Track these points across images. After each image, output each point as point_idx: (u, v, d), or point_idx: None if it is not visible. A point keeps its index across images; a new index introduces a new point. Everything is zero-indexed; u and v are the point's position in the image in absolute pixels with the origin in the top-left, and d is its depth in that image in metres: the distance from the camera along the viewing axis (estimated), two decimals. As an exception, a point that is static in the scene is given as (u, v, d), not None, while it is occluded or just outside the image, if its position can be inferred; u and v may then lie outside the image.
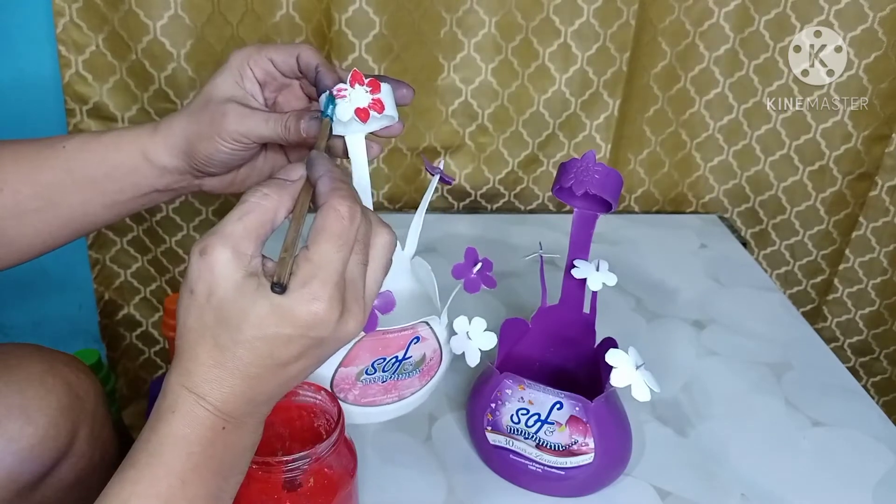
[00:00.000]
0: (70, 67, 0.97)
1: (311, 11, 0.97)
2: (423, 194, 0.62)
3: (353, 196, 0.41)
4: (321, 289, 0.39)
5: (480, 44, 1.02)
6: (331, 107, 0.50)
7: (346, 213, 0.40)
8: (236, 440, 0.41)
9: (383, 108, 0.51)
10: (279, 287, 0.39)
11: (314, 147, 0.47)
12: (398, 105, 0.54)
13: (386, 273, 0.44)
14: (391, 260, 0.44)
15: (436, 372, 0.67)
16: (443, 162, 0.64)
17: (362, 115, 0.50)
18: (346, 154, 0.54)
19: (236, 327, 0.39)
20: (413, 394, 0.67)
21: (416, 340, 0.63)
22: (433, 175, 0.59)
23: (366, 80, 0.51)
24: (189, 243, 1.11)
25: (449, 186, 0.61)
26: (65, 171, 0.56)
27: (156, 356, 1.22)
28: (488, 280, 0.62)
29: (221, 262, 0.39)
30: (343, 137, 0.54)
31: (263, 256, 0.41)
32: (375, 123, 0.53)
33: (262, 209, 0.41)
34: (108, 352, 1.19)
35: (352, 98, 0.50)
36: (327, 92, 0.51)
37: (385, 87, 0.52)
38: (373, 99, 0.51)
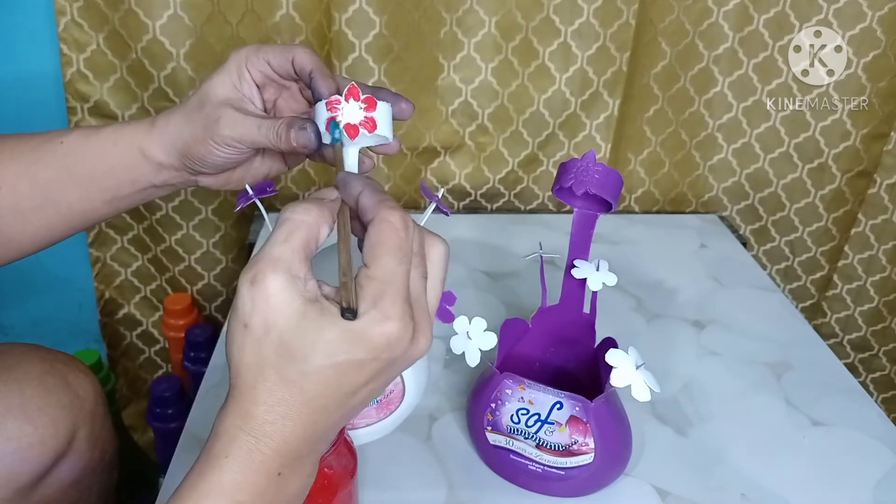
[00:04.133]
0: (71, 66, 0.97)
1: (311, 11, 0.97)
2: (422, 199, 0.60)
3: (400, 207, 0.39)
4: (392, 307, 0.37)
5: (480, 44, 1.02)
6: (337, 131, 0.48)
7: (399, 224, 0.38)
8: (289, 486, 0.39)
9: (374, 128, 0.49)
10: (351, 312, 0.36)
11: (336, 173, 0.45)
12: (397, 119, 0.53)
13: (443, 286, 0.42)
14: (447, 272, 0.42)
15: (396, 408, 0.64)
16: (442, 191, 0.61)
17: (351, 131, 0.49)
18: (334, 163, 0.53)
19: (303, 358, 0.36)
20: (367, 425, 0.64)
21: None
22: (430, 201, 0.56)
23: (362, 97, 0.49)
24: (188, 242, 1.11)
25: (446, 217, 0.58)
26: (63, 168, 0.56)
27: (156, 355, 1.22)
28: (445, 314, 0.58)
29: (277, 290, 0.36)
30: (333, 147, 0.53)
31: (317, 279, 0.39)
32: (365, 140, 0.51)
33: (307, 226, 0.38)
34: (108, 351, 1.19)
35: (344, 112, 0.49)
36: (324, 106, 0.50)
37: (382, 106, 0.50)
38: (365, 117, 0.49)
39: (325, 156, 0.55)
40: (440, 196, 0.55)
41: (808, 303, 1.24)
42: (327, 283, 0.39)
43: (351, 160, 0.51)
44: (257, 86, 0.56)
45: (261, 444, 0.37)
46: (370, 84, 0.99)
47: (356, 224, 0.42)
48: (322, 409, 0.37)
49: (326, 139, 0.51)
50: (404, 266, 0.38)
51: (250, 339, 0.37)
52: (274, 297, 0.36)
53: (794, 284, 1.23)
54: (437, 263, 0.41)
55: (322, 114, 0.50)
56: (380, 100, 0.50)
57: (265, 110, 0.57)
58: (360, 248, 0.40)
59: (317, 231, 0.39)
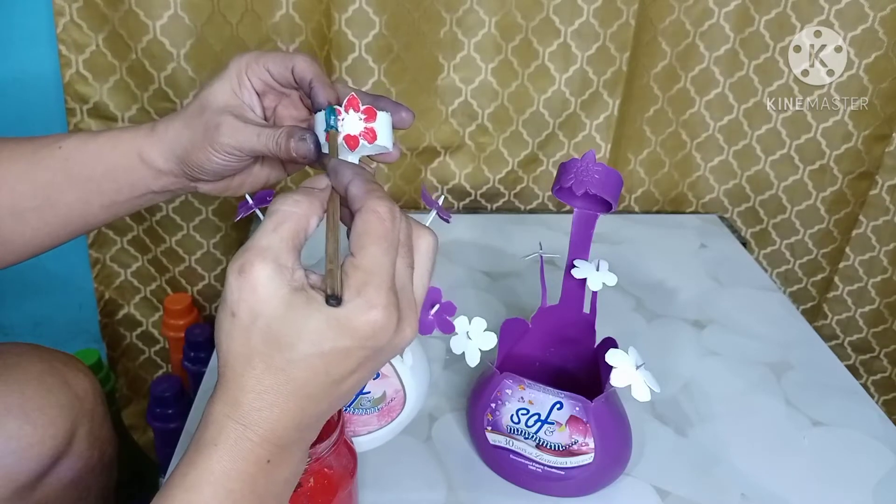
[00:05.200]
0: (70, 67, 0.97)
1: (311, 11, 0.97)
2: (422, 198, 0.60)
3: (389, 196, 0.40)
4: (376, 295, 0.37)
5: (480, 44, 1.02)
6: (332, 117, 0.48)
7: (386, 215, 0.38)
8: (279, 473, 0.39)
9: (375, 139, 0.49)
10: (335, 300, 0.37)
11: (330, 157, 0.45)
12: (397, 128, 0.53)
13: (431, 277, 0.42)
14: (435, 264, 0.43)
15: (397, 415, 0.64)
16: (442, 198, 0.61)
17: (351, 142, 0.49)
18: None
19: (289, 346, 0.37)
20: (369, 433, 0.64)
21: (375, 375, 0.60)
22: (430, 208, 0.56)
23: (362, 108, 0.49)
24: (189, 243, 1.11)
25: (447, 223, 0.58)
26: (62, 170, 0.56)
27: (156, 356, 1.22)
28: (445, 324, 0.57)
29: (264, 280, 0.37)
30: (328, 134, 0.52)
31: (305, 268, 0.39)
32: (366, 150, 0.51)
33: (296, 217, 0.39)
34: (108, 351, 1.19)
35: (344, 123, 0.49)
36: (328, 106, 0.50)
37: (382, 117, 0.50)
38: (365, 128, 0.49)
39: (324, 164, 0.55)
40: (440, 203, 0.55)
41: (808, 305, 1.24)
42: (315, 271, 0.39)
43: None
44: (257, 93, 0.56)
45: (249, 431, 0.37)
46: (370, 87, 1.00)
47: (346, 212, 0.42)
48: (309, 396, 0.38)
49: (327, 149, 0.51)
50: (390, 256, 0.38)
51: (238, 328, 0.37)
52: (261, 286, 0.37)
53: (795, 287, 1.22)
54: (424, 254, 0.42)
55: (321, 124, 0.50)
56: (380, 109, 0.50)
57: (265, 117, 0.57)
58: (348, 236, 0.41)
59: (306, 222, 0.39)
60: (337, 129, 0.49)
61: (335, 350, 0.37)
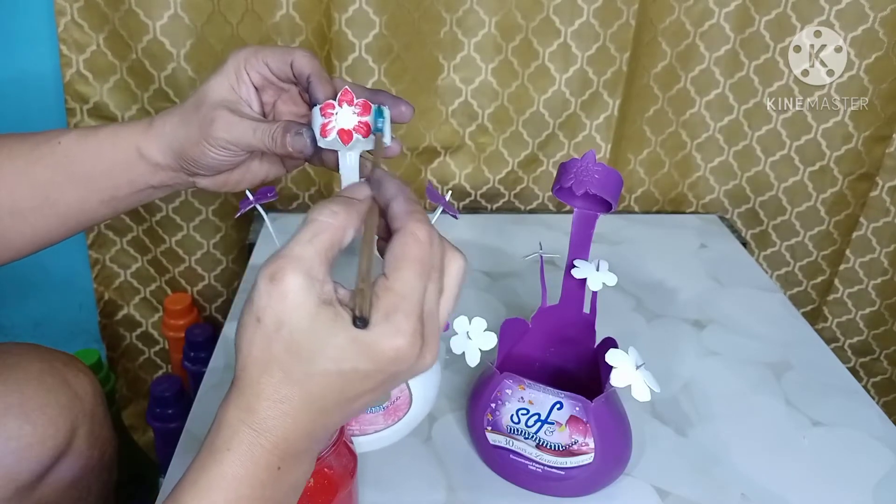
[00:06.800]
0: (71, 67, 0.97)
1: (311, 11, 0.97)
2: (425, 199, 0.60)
3: (428, 219, 0.39)
4: (405, 322, 0.37)
5: (480, 44, 1.02)
6: (381, 119, 0.48)
7: (425, 239, 0.38)
8: (287, 480, 0.39)
9: (369, 133, 0.49)
10: (362, 322, 0.36)
11: (372, 163, 0.44)
12: (396, 123, 0.52)
13: (457, 302, 0.42)
14: (461, 287, 0.42)
15: (404, 415, 0.64)
16: (449, 193, 0.60)
17: (345, 137, 0.48)
18: (337, 168, 0.52)
19: (309, 359, 0.37)
20: (376, 432, 0.64)
21: None
22: (437, 205, 0.55)
23: (357, 101, 0.49)
24: (189, 243, 1.11)
25: (455, 220, 0.57)
26: (61, 167, 0.56)
27: (155, 356, 1.22)
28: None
29: (294, 289, 0.36)
30: (336, 152, 0.52)
31: (334, 282, 0.39)
32: (363, 145, 0.50)
33: (333, 229, 0.38)
34: (107, 352, 1.19)
35: (338, 118, 0.48)
36: (319, 111, 0.50)
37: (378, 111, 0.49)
38: (359, 122, 0.48)
39: (323, 160, 0.55)
40: (447, 199, 0.55)
41: (808, 307, 1.24)
42: (343, 286, 0.39)
43: (347, 163, 0.51)
44: (255, 88, 0.55)
45: (262, 438, 0.37)
46: (370, 84, 1.00)
47: (381, 222, 0.41)
48: (323, 410, 0.38)
49: (322, 144, 0.50)
50: (423, 282, 0.38)
51: (261, 334, 0.37)
52: (291, 295, 0.36)
53: (795, 290, 1.22)
54: (453, 278, 0.41)
55: (318, 119, 0.50)
56: (378, 104, 0.50)
57: (263, 113, 0.57)
58: (379, 248, 0.40)
59: (342, 235, 0.39)
60: (382, 132, 0.48)
61: (354, 371, 0.37)
